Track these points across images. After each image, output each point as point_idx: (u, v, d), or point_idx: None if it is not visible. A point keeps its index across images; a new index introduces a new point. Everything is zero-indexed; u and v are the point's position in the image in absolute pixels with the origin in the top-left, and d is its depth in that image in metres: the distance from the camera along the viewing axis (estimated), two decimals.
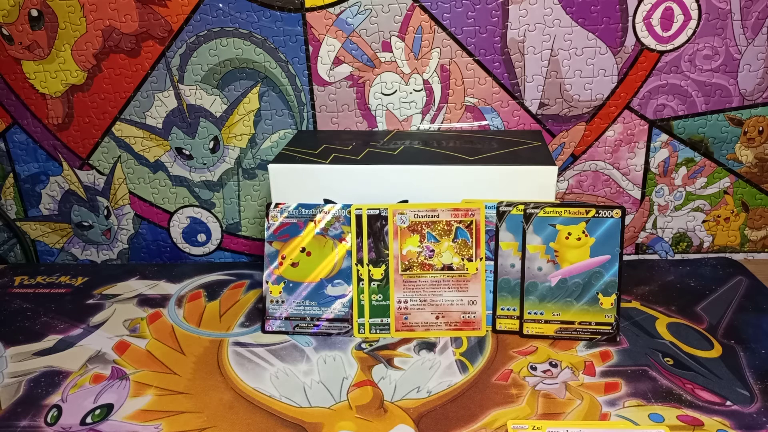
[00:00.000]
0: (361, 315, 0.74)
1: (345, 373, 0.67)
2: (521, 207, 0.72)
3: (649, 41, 0.83)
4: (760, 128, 0.87)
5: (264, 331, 0.75)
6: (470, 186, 0.73)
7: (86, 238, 0.98)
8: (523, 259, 0.72)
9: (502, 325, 0.73)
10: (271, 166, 0.75)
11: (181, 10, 0.84)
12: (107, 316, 0.80)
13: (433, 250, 0.73)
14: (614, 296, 0.71)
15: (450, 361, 0.68)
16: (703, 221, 0.92)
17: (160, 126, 0.90)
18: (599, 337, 0.71)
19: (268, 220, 0.75)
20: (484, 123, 0.88)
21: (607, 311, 0.71)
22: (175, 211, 0.95)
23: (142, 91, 0.88)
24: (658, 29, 0.82)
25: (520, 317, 0.72)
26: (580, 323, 0.71)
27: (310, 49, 0.85)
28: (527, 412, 0.60)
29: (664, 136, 0.88)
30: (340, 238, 0.74)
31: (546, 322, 0.72)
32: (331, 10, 0.83)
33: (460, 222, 0.73)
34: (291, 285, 0.75)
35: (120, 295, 0.85)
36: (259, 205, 0.94)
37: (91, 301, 0.84)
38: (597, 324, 0.71)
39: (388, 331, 0.73)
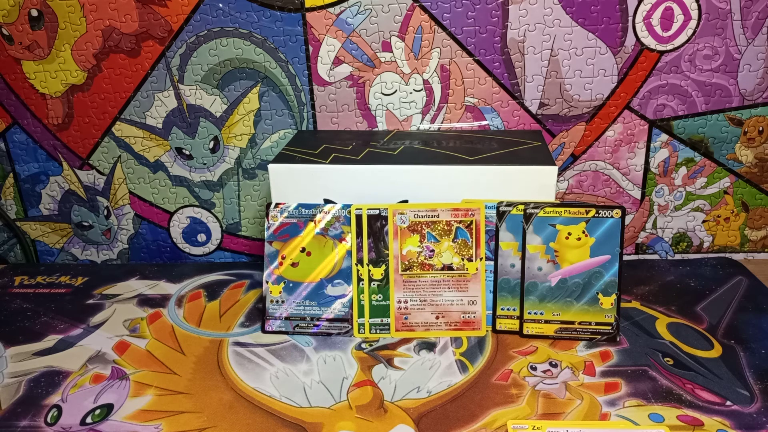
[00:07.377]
0: (361, 315, 0.74)
1: (345, 373, 0.67)
2: (521, 207, 0.72)
3: (649, 41, 0.83)
4: (760, 128, 0.87)
5: (264, 331, 0.75)
6: (470, 186, 0.73)
7: (86, 238, 0.98)
8: (523, 259, 0.72)
9: (502, 325, 0.73)
10: (271, 166, 0.75)
11: (181, 10, 0.84)
12: (107, 316, 0.80)
13: (433, 250, 0.73)
14: (614, 296, 0.71)
15: (450, 361, 0.68)
16: (703, 221, 0.92)
17: (160, 126, 0.90)
18: (599, 337, 0.71)
19: (268, 220, 0.75)
20: (484, 123, 0.88)
21: (607, 311, 0.71)
22: (175, 211, 0.95)
23: (142, 91, 0.88)
24: (658, 29, 0.82)
25: (520, 317, 0.72)
26: (580, 323, 0.71)
27: (310, 49, 0.85)
28: (527, 412, 0.60)
29: (664, 136, 0.88)
30: (340, 238, 0.74)
31: (546, 322, 0.72)
32: (331, 10, 0.83)
33: (460, 222, 0.73)
34: (291, 285, 0.75)
35: (120, 295, 0.85)
36: (259, 205, 0.94)
37: (91, 301, 0.84)
38: (597, 324, 0.71)
39: (388, 331, 0.73)
